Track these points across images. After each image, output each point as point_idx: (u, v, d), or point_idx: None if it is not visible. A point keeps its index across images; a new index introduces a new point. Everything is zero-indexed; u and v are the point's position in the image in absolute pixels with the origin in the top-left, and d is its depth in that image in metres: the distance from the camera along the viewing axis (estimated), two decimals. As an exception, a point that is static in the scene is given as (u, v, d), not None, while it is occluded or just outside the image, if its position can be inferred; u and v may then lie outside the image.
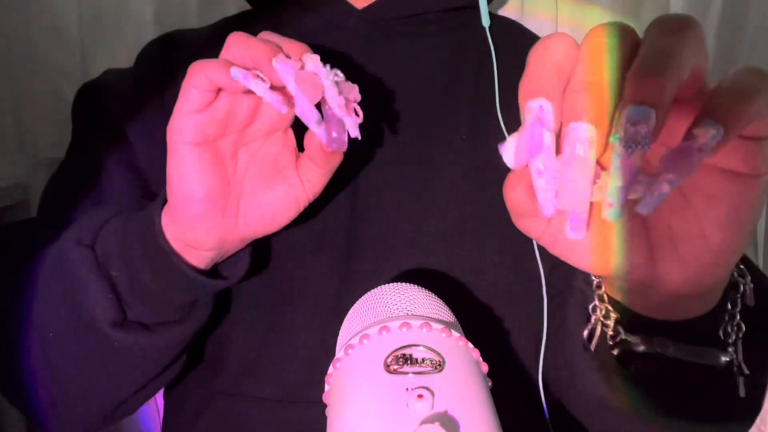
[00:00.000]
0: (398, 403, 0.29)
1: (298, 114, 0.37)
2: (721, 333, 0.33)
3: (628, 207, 0.25)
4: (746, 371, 0.34)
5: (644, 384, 0.35)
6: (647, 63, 0.23)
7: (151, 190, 0.53)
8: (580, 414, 0.44)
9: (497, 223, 0.42)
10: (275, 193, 0.41)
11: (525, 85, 0.26)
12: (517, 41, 0.57)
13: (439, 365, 0.31)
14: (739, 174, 0.27)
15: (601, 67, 0.24)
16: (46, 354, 0.44)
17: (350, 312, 0.38)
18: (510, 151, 0.26)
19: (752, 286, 0.34)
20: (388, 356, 0.31)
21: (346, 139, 0.38)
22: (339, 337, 0.38)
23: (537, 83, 0.25)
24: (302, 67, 0.36)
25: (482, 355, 0.34)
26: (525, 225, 0.30)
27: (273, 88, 0.36)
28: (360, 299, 0.38)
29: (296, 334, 0.49)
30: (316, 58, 0.36)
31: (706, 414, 0.36)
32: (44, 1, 0.87)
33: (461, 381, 0.31)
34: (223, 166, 0.39)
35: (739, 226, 0.28)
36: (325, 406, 0.34)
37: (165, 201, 0.41)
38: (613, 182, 0.24)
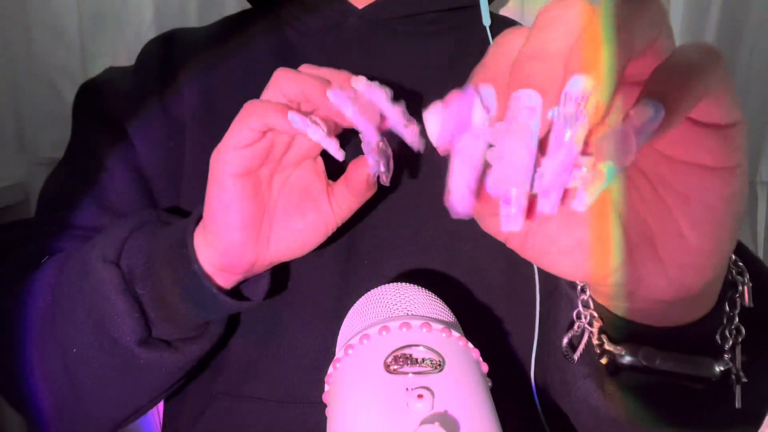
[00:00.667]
0: (398, 403, 0.29)
1: (362, 138, 0.37)
2: (718, 338, 0.31)
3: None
4: (744, 379, 0.31)
5: (636, 395, 0.32)
6: (593, 32, 0.20)
7: (151, 190, 0.53)
8: (576, 423, 0.42)
9: None
10: (306, 219, 0.42)
11: (477, 73, 0.24)
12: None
13: (439, 365, 0.31)
14: (709, 168, 0.24)
15: (551, 38, 0.21)
16: (67, 368, 0.44)
17: (350, 312, 0.38)
18: (434, 119, 0.23)
19: (751, 285, 0.31)
20: (388, 356, 0.31)
21: (392, 172, 0.39)
22: (339, 337, 0.38)
23: (490, 71, 0.24)
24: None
25: (482, 355, 0.34)
26: (489, 226, 0.28)
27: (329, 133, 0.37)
28: (360, 299, 0.38)
29: (296, 334, 0.49)
30: (363, 79, 0.37)
31: (705, 423, 0.33)
32: (44, 1, 0.87)
33: (461, 381, 0.31)
34: (261, 193, 0.40)
35: (716, 224, 0.25)
36: (325, 406, 0.34)
37: (197, 222, 0.41)
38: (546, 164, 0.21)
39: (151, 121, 0.53)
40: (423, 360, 0.31)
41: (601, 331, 0.32)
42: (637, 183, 0.27)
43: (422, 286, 0.38)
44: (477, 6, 0.55)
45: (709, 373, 0.30)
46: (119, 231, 0.44)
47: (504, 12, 0.84)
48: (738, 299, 0.31)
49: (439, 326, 0.33)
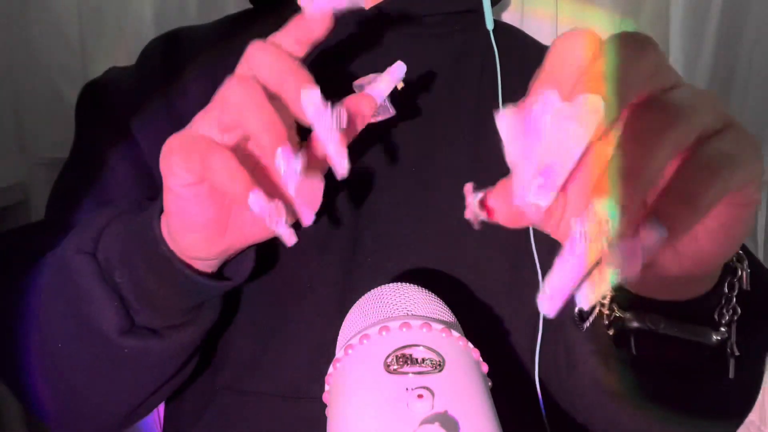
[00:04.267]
0: (398, 403, 0.29)
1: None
2: (716, 315, 0.34)
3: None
4: (737, 352, 0.35)
5: (639, 366, 0.36)
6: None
7: (156, 187, 0.53)
8: (579, 405, 0.45)
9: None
10: None
11: (542, 80, 0.26)
12: (519, 47, 0.57)
13: (439, 365, 0.31)
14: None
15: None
16: (56, 364, 0.44)
17: (350, 312, 0.38)
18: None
19: (749, 271, 0.35)
20: (388, 356, 0.31)
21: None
22: (339, 337, 0.38)
23: (554, 78, 0.25)
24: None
25: (482, 355, 0.34)
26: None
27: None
28: (360, 299, 0.38)
29: (301, 329, 0.48)
30: (316, 94, 0.32)
31: (699, 401, 0.36)
32: (44, 1, 0.87)
33: (461, 381, 0.31)
34: (220, 192, 0.36)
35: (728, 235, 0.28)
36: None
37: (161, 209, 0.39)
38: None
39: (155, 118, 0.52)
40: (423, 360, 0.31)
41: (612, 300, 0.35)
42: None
43: (424, 285, 0.38)
44: (480, 11, 0.56)
45: (707, 340, 0.34)
46: (96, 222, 0.43)
47: (504, 12, 0.84)
48: (737, 282, 0.35)
49: (439, 326, 0.33)
